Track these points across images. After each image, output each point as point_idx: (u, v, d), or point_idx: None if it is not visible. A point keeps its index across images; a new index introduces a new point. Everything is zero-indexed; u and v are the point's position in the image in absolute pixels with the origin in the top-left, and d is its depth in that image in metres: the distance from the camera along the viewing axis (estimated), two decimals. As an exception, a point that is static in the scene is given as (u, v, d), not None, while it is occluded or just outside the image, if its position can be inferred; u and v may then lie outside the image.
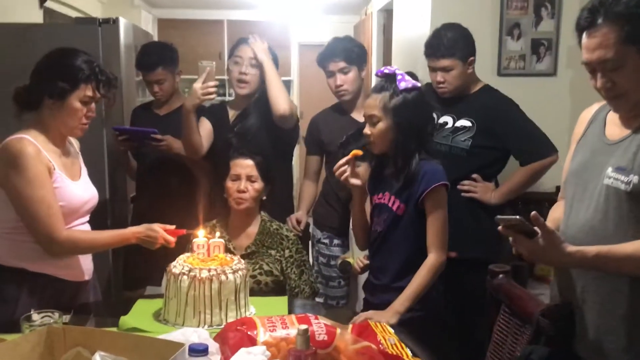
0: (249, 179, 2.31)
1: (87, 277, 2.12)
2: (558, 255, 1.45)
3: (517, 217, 1.47)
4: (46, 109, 1.97)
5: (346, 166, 2.08)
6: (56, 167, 1.96)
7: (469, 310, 2.50)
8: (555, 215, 1.77)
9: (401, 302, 1.94)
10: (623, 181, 1.45)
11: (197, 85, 2.46)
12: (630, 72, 1.43)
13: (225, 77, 2.81)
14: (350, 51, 2.70)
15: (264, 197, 2.37)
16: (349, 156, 2.08)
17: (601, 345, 1.53)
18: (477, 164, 2.57)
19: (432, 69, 2.55)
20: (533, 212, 1.44)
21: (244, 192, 2.29)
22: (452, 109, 2.57)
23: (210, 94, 2.47)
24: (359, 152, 2.09)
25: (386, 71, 2.05)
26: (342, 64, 2.68)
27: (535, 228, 1.45)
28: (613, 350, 1.52)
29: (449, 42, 2.50)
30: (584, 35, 1.48)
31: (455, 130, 2.56)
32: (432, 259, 1.97)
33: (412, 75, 2.07)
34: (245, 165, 2.32)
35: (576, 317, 1.59)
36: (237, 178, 2.31)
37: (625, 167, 1.47)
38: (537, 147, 2.56)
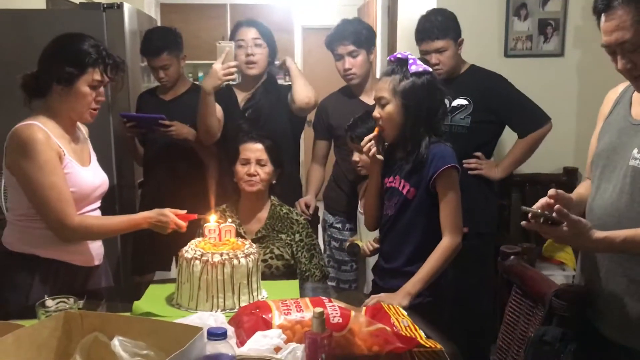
0: (259, 162, 2.31)
1: (97, 262, 2.13)
2: (586, 242, 1.46)
3: (539, 210, 1.47)
4: (55, 95, 1.97)
5: (372, 142, 2.08)
6: (66, 153, 1.96)
7: (475, 284, 2.55)
8: (581, 191, 1.76)
9: (413, 284, 1.94)
10: None
11: (217, 66, 2.46)
12: None
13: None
14: (359, 34, 2.69)
15: (274, 181, 2.37)
16: (374, 134, 2.08)
17: (626, 326, 1.53)
18: (477, 141, 2.67)
19: (426, 52, 2.60)
20: (557, 206, 1.44)
21: (253, 175, 2.29)
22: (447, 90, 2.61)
23: (232, 74, 2.48)
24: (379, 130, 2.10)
25: (398, 56, 2.04)
26: (351, 47, 2.67)
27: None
28: (637, 330, 1.51)
29: (441, 24, 2.59)
30: (602, 18, 1.46)
31: (453, 110, 2.63)
32: (446, 242, 1.97)
33: (425, 61, 2.08)
34: (254, 149, 2.32)
35: (599, 298, 1.59)
36: (247, 162, 2.31)
37: None
38: (532, 118, 2.68)
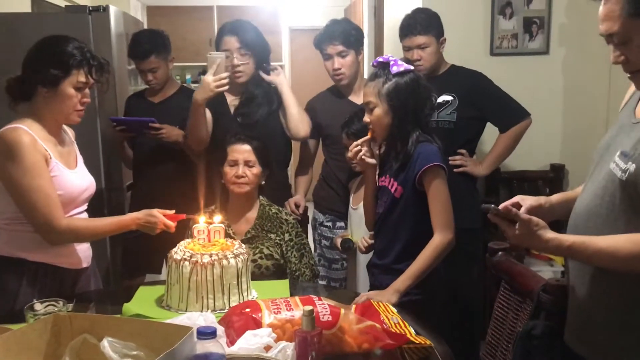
0: (247, 164, 2.31)
1: (85, 265, 2.12)
2: (537, 242, 1.45)
3: (493, 205, 1.48)
4: (40, 98, 1.96)
5: (360, 146, 2.11)
6: (52, 156, 1.96)
7: (463, 280, 2.58)
8: (571, 191, 1.74)
9: (402, 281, 1.95)
10: (621, 168, 1.37)
11: (209, 78, 2.45)
12: (638, 47, 1.36)
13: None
14: (348, 34, 2.69)
15: (263, 182, 2.37)
16: (366, 137, 2.11)
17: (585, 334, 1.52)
18: (463, 137, 2.72)
19: (408, 49, 2.65)
20: (502, 205, 1.46)
21: (242, 176, 2.29)
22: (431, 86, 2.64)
23: (224, 85, 2.46)
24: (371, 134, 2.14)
25: (380, 59, 2.07)
26: (340, 47, 2.67)
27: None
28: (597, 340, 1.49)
29: (424, 20, 2.64)
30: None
31: (439, 106, 2.65)
32: (437, 239, 1.98)
33: (407, 60, 2.11)
34: (242, 151, 2.33)
35: (568, 301, 1.58)
36: (235, 163, 2.32)
37: (628, 152, 1.37)
38: (512, 113, 2.74)
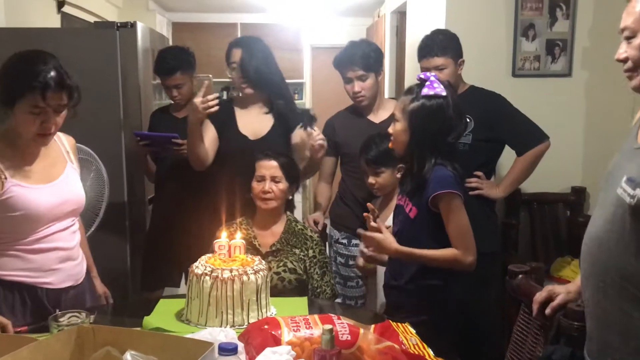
0: (273, 179, 2.35)
1: (70, 283, 1.98)
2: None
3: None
4: (3, 115, 1.83)
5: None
6: (8, 177, 1.82)
7: (482, 303, 2.56)
8: None
9: (406, 250, 2.00)
10: (629, 194, 1.35)
11: (197, 100, 2.45)
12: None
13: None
14: (367, 57, 2.71)
15: (290, 197, 2.41)
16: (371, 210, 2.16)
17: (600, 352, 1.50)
18: (479, 159, 2.70)
19: (426, 69, 2.63)
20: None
21: (268, 192, 2.33)
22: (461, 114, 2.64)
23: (211, 107, 2.46)
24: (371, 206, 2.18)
25: (421, 76, 2.07)
26: (360, 72, 2.70)
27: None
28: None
29: (442, 42, 2.64)
30: None
31: None
32: (456, 252, 1.97)
33: (449, 84, 2.11)
34: (269, 167, 2.37)
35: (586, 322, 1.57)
36: (262, 179, 2.36)
37: (635, 178, 1.35)
38: (530, 136, 2.71)
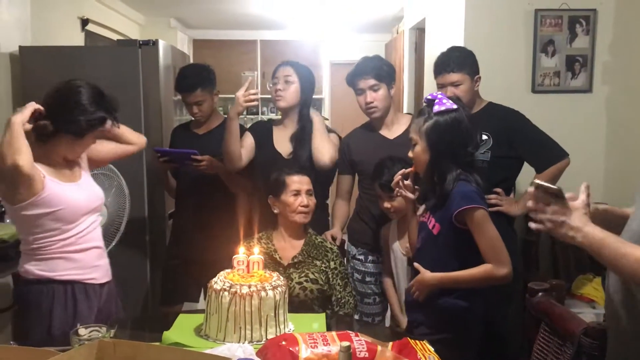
0: (308, 192, 2.41)
1: (107, 279, 2.21)
2: (578, 222, 1.42)
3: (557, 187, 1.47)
4: (61, 141, 2.04)
5: (402, 182, 2.21)
6: (46, 175, 2.02)
7: (502, 321, 2.54)
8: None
9: (445, 277, 2.00)
10: None
11: (240, 93, 2.60)
12: None
13: (259, 95, 2.88)
14: (379, 69, 2.74)
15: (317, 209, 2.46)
16: (409, 170, 2.19)
17: None
18: (498, 176, 2.67)
19: (441, 86, 2.65)
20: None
21: (307, 205, 2.39)
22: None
23: (252, 101, 2.62)
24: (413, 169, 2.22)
25: (429, 97, 2.09)
26: (372, 82, 2.71)
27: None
28: None
29: (458, 58, 2.64)
30: None
31: None
32: (489, 267, 1.96)
33: (457, 98, 2.12)
34: (303, 182, 2.43)
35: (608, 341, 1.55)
36: (298, 193, 2.40)
37: None
38: (550, 153, 2.68)
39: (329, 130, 2.85)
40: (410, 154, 2.13)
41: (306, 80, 2.82)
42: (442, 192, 2.02)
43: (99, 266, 2.17)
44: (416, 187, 2.28)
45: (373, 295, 2.77)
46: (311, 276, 2.33)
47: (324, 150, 2.73)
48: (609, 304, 1.55)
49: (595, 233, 1.40)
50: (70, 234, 2.07)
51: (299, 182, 2.42)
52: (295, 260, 2.37)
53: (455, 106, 2.04)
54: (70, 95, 2.03)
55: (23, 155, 1.88)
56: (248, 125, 3.14)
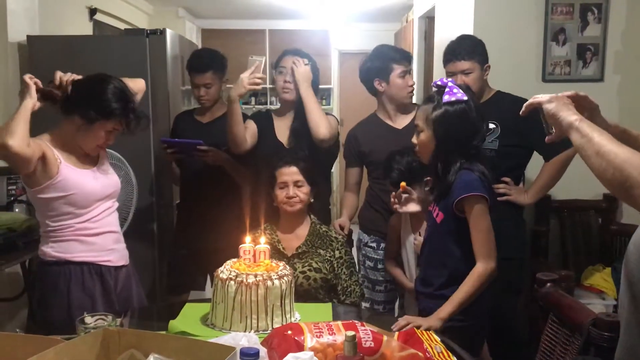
0: (296, 184, 2.38)
1: (124, 262, 2.29)
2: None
3: None
4: (73, 124, 2.11)
5: (397, 199, 2.26)
6: (62, 161, 2.10)
7: (509, 310, 2.52)
8: None
9: (445, 309, 1.92)
10: None
11: (245, 75, 2.57)
12: None
13: (267, 85, 2.87)
14: (410, 57, 2.81)
15: (312, 200, 2.42)
16: (401, 188, 2.25)
17: None
18: (506, 165, 2.65)
19: (451, 74, 2.62)
20: None
21: (293, 197, 2.36)
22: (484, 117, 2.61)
23: (256, 84, 2.58)
24: (404, 185, 2.29)
25: (439, 83, 2.06)
26: (410, 67, 2.78)
27: None
28: None
29: (469, 46, 2.64)
30: None
31: None
32: (479, 268, 1.95)
33: (467, 87, 2.08)
34: (290, 172, 2.39)
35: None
36: (285, 185, 2.38)
37: None
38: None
39: (326, 114, 2.81)
40: (414, 140, 2.10)
41: (312, 72, 2.79)
42: (445, 182, 2.01)
43: (114, 249, 2.24)
44: (426, 179, 2.28)
45: (384, 283, 2.76)
46: (315, 265, 2.33)
47: (322, 123, 2.67)
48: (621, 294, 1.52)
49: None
50: (84, 219, 2.15)
51: (285, 174, 2.39)
52: (299, 251, 2.37)
53: (465, 97, 2.00)
54: (96, 85, 2.12)
55: (15, 136, 1.94)
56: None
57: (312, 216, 2.46)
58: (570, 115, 1.41)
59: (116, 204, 2.31)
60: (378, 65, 2.75)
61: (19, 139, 1.94)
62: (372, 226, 2.82)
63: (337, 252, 2.38)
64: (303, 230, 2.42)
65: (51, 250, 2.14)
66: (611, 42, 3.26)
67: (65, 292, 2.11)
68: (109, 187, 2.24)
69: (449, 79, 2.08)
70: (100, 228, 2.19)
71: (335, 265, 2.36)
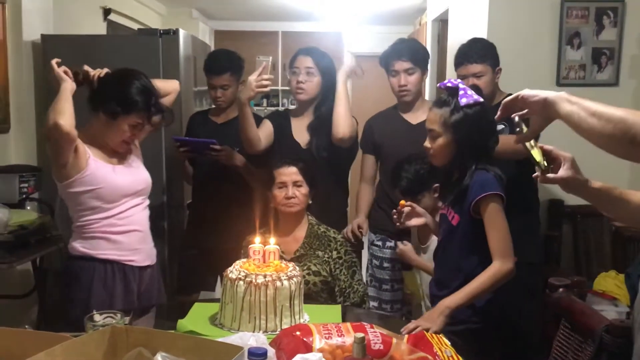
0: (295, 184, 2.37)
1: (149, 262, 2.32)
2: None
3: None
4: (99, 119, 2.17)
5: (399, 216, 2.25)
6: (91, 156, 2.15)
7: (522, 315, 2.49)
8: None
9: (454, 298, 1.89)
10: None
11: (252, 77, 2.56)
12: None
13: (279, 87, 2.87)
14: (416, 52, 2.72)
15: (310, 201, 2.41)
16: (400, 206, 2.24)
17: None
18: (514, 164, 2.56)
19: (463, 77, 2.60)
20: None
21: (292, 197, 2.35)
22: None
23: (264, 86, 2.56)
24: (403, 203, 2.27)
25: (449, 84, 2.00)
26: (407, 64, 2.69)
27: None
28: None
29: (480, 49, 2.63)
30: None
31: None
32: (496, 265, 1.91)
33: (477, 88, 2.05)
34: (289, 173, 2.38)
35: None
36: (284, 185, 2.37)
37: None
38: None
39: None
40: (427, 145, 2.05)
41: (327, 71, 2.79)
42: (461, 185, 1.98)
43: (139, 249, 2.26)
44: (435, 186, 2.27)
45: (391, 282, 2.76)
46: (313, 268, 2.30)
47: (344, 123, 2.67)
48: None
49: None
50: (111, 214, 2.18)
51: (284, 174, 2.38)
52: (297, 254, 2.34)
53: (481, 99, 1.98)
54: (120, 79, 2.16)
55: (65, 115, 2.00)
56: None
57: (310, 217, 2.44)
58: (555, 92, 1.40)
59: (147, 201, 2.34)
60: (383, 59, 2.77)
61: (69, 118, 2.01)
62: (377, 225, 2.83)
63: (334, 253, 2.35)
64: (301, 232, 2.39)
65: (79, 245, 2.19)
66: (627, 46, 3.22)
67: (87, 288, 2.16)
68: (138, 183, 2.27)
69: (458, 80, 2.04)
70: (127, 226, 2.22)
71: (332, 266, 2.33)
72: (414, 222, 2.26)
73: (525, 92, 1.47)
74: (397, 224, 2.29)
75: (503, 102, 1.52)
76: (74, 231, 2.23)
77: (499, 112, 1.54)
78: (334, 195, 2.69)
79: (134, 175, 2.27)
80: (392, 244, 2.74)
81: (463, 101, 1.95)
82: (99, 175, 2.14)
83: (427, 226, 2.30)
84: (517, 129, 1.50)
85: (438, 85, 2.08)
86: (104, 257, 2.18)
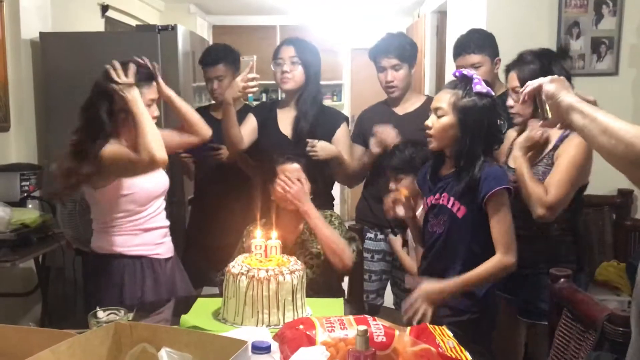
0: (298, 181, 2.36)
1: (171, 254, 2.40)
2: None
3: None
4: (118, 120, 2.19)
5: (395, 204, 2.25)
6: None
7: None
8: None
9: (450, 284, 1.93)
10: None
11: (239, 78, 2.56)
12: None
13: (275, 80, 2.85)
14: (403, 49, 2.72)
15: (311, 197, 2.41)
16: (397, 194, 2.24)
17: None
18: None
19: (461, 67, 2.56)
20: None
21: None
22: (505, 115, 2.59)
23: (251, 87, 2.56)
24: (404, 191, 2.27)
25: (464, 72, 2.01)
26: (394, 61, 2.70)
27: None
28: None
29: (479, 40, 2.63)
30: None
31: None
32: (498, 257, 1.92)
33: (488, 83, 2.05)
34: (292, 170, 2.38)
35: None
36: None
37: None
38: None
39: (343, 118, 2.85)
40: (428, 123, 2.03)
41: (310, 62, 2.77)
42: (471, 177, 1.97)
43: (162, 243, 2.34)
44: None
45: (380, 274, 2.79)
46: (314, 251, 2.34)
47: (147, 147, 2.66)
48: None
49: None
50: (142, 215, 2.26)
51: (287, 171, 2.37)
52: (299, 241, 2.38)
53: (492, 93, 1.99)
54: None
55: (161, 147, 2.14)
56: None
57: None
58: (570, 97, 1.40)
59: (164, 203, 2.42)
60: (371, 54, 2.78)
61: (163, 148, 2.14)
62: (360, 216, 2.89)
63: (331, 226, 2.37)
64: (301, 224, 2.41)
65: (107, 244, 2.23)
66: (626, 36, 3.22)
67: (118, 284, 2.21)
68: (162, 186, 2.35)
69: (474, 71, 2.04)
70: (153, 224, 2.30)
71: None
72: (403, 212, 2.24)
73: (544, 86, 1.45)
74: (390, 212, 2.27)
75: (526, 92, 1.50)
76: (99, 231, 2.27)
77: (523, 98, 1.52)
78: (321, 192, 2.69)
79: (157, 178, 2.32)
80: (371, 235, 2.78)
81: (477, 88, 1.96)
82: (133, 181, 2.20)
83: (413, 227, 2.31)
84: (544, 116, 1.48)
85: (453, 73, 2.08)
86: (133, 254, 2.24)
